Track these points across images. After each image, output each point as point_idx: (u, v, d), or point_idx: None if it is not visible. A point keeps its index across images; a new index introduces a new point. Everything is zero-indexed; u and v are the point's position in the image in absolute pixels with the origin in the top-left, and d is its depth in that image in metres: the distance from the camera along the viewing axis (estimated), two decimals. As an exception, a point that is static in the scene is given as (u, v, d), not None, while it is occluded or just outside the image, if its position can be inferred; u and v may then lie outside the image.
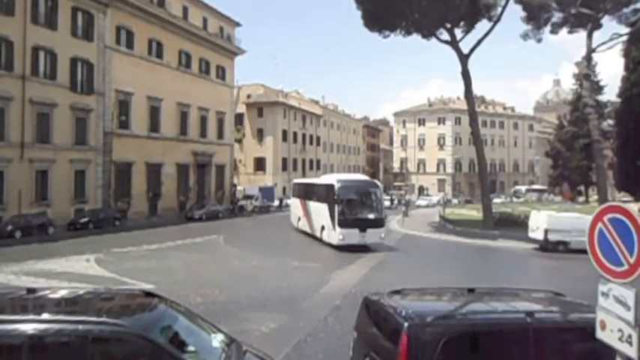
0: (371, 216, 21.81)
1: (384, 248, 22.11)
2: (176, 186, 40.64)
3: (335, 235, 21.30)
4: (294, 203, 29.83)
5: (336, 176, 26.33)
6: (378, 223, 21.81)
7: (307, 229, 26.22)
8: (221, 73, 47.55)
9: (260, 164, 61.10)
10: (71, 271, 16.15)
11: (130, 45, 35.76)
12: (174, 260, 18.84)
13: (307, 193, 26.99)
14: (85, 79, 31.76)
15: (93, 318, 4.53)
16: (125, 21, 35.20)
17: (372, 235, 21.45)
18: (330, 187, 22.15)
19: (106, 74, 33.25)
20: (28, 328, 4.25)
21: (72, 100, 30.82)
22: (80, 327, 4.27)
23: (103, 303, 5.49)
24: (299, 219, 28.06)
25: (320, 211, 23.50)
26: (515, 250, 24.26)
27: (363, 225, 21.21)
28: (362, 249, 21.09)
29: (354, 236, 20.99)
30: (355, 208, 21.72)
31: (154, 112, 38.27)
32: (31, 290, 5.36)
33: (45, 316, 4.61)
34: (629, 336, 3.31)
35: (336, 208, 21.12)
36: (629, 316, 3.31)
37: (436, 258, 21.95)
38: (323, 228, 23.06)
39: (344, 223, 21.00)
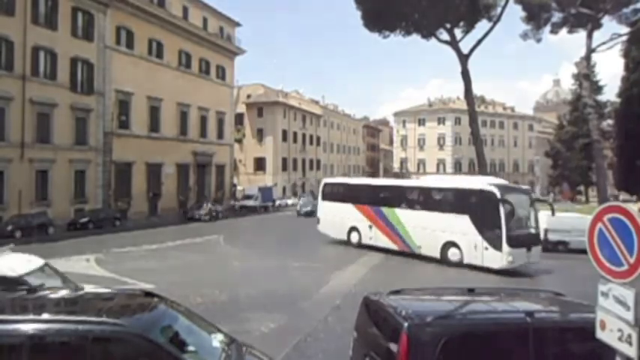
0: (532, 230, 17.91)
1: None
2: (176, 186, 40.66)
3: (500, 256, 16.55)
4: (339, 209, 23.01)
5: (484, 180, 19.91)
6: (538, 238, 18.29)
7: (388, 245, 20.71)
8: (221, 73, 47.56)
9: (260, 164, 61.14)
10: (71, 271, 16.02)
11: (129, 45, 35.77)
12: (174, 260, 18.81)
13: (390, 197, 21.31)
14: (85, 79, 31.80)
15: (93, 318, 4.53)
16: (125, 21, 35.22)
17: (535, 254, 17.57)
18: (488, 194, 17.02)
19: (106, 74, 33.27)
20: (28, 328, 4.25)
21: (72, 100, 30.84)
22: (80, 327, 4.28)
23: (103, 303, 5.48)
24: (354, 229, 22.28)
25: (447, 224, 18.36)
26: (515, 250, 24.14)
27: (529, 242, 17.29)
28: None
29: (521, 256, 16.83)
30: (519, 222, 17.65)
31: (154, 112, 38.30)
32: (31, 290, 5.36)
33: (45, 316, 4.60)
34: (629, 336, 3.30)
35: (502, 223, 16.45)
36: (629, 315, 3.31)
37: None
38: (451, 246, 18.16)
39: (513, 242, 16.52)
